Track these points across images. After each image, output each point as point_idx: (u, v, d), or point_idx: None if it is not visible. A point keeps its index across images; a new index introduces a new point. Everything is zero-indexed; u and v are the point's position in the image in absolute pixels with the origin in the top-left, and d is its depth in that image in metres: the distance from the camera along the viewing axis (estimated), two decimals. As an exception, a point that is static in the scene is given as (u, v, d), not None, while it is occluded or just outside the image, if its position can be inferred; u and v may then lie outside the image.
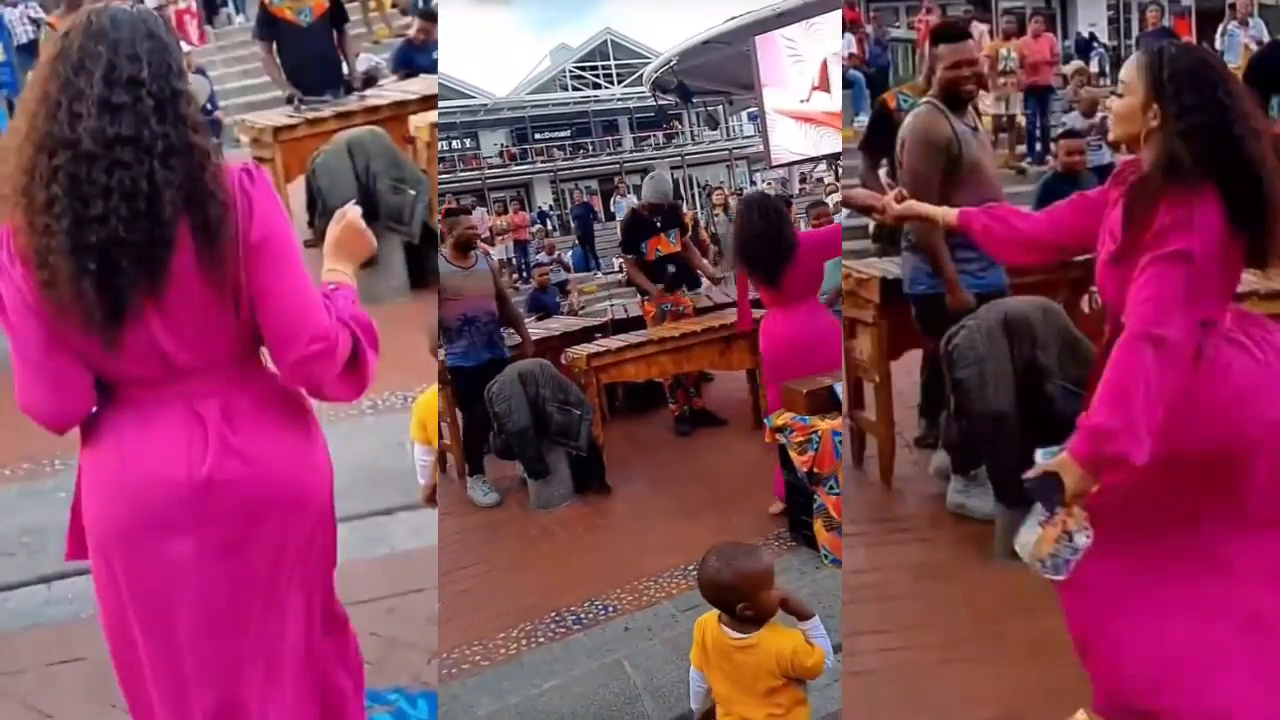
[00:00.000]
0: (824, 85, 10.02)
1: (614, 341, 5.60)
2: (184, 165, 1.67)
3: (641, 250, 5.94)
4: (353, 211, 2.02)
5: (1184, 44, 2.20)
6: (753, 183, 20.81)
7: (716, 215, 11.31)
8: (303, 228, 5.55)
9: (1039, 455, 1.92)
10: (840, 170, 8.81)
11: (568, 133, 24.85)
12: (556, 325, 6.89)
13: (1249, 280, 3.10)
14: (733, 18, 11.97)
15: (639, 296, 6.36)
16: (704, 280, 6.53)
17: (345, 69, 6.57)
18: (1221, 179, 1.86)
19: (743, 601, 2.07)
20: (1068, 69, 10.12)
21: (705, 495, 4.71)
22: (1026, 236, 2.33)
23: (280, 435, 1.87)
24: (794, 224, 4.93)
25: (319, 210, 5.69)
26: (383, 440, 4.12)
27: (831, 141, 10.24)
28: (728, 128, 21.87)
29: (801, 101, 10.27)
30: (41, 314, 1.68)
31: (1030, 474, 1.88)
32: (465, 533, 4.68)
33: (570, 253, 16.34)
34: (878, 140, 4.24)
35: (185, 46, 5.58)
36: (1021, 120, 9.62)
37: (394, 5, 10.79)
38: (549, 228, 19.00)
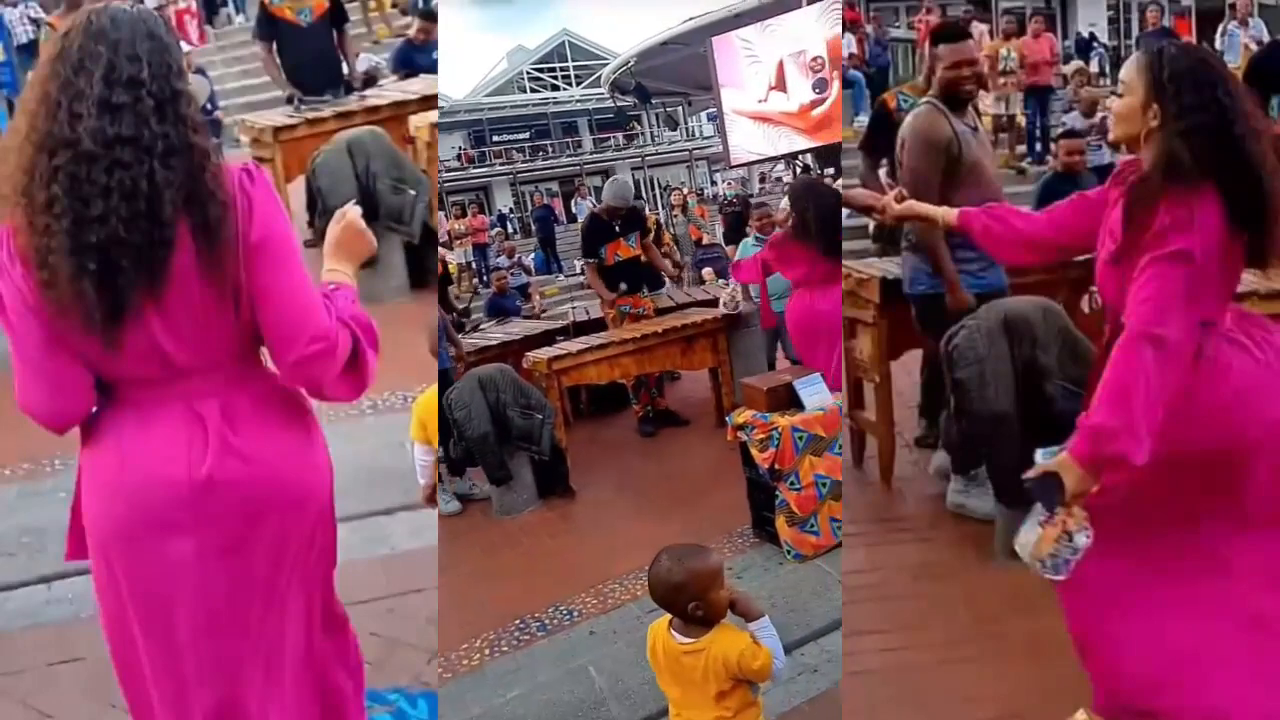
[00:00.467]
0: (780, 85, 10.10)
1: (575, 344, 5.57)
2: (184, 165, 1.67)
3: (601, 255, 5.93)
4: (353, 211, 2.02)
5: (1184, 44, 2.20)
6: (713, 183, 20.63)
7: (675, 216, 11.42)
8: (303, 228, 5.54)
9: (1039, 455, 1.92)
10: (840, 170, 8.80)
11: (527, 135, 24.38)
12: (517, 329, 6.86)
13: (1249, 280, 3.10)
14: (690, 19, 12.03)
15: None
16: (667, 281, 6.57)
17: (345, 69, 6.56)
18: (1221, 179, 1.86)
19: (693, 601, 2.06)
20: (1068, 69, 10.09)
21: (670, 495, 4.71)
22: (1026, 236, 2.33)
23: (280, 435, 1.87)
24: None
25: (319, 210, 5.68)
26: (383, 440, 4.11)
27: (790, 141, 10.33)
28: (687, 128, 21.65)
29: (759, 102, 10.35)
30: (41, 314, 1.69)
31: (1030, 474, 1.88)
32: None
33: (531, 255, 16.23)
34: (878, 140, 4.25)
35: (185, 46, 5.55)
36: (1021, 120, 9.60)
37: (394, 5, 10.77)
38: (509, 231, 18.83)
